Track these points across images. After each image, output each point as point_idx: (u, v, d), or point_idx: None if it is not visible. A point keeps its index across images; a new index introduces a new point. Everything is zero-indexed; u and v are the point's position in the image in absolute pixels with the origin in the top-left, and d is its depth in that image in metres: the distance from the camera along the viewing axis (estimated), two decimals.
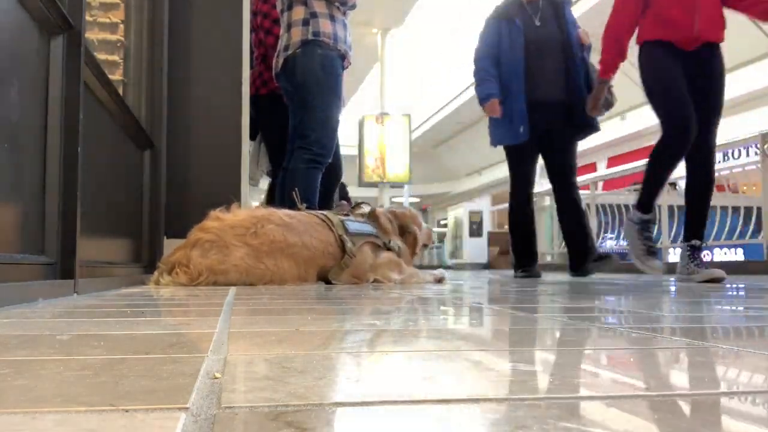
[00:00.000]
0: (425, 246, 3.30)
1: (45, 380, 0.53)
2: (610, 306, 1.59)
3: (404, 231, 3.06)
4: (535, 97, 4.15)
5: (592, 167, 13.36)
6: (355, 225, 2.86)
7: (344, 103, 3.88)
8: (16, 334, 0.86)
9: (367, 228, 2.92)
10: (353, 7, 3.61)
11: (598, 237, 9.48)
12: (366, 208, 3.12)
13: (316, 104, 3.47)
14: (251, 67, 4.01)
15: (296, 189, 3.28)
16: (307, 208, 3.16)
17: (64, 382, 0.52)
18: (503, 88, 4.21)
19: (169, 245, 3.03)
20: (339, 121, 3.63)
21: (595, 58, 3.91)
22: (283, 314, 1.23)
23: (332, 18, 3.51)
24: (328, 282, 2.69)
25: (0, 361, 0.63)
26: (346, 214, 2.96)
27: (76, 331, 0.86)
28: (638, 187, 3.66)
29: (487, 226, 16.73)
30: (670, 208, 8.51)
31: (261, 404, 0.44)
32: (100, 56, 2.83)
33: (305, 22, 3.47)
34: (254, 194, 8.52)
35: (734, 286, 2.78)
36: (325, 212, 2.91)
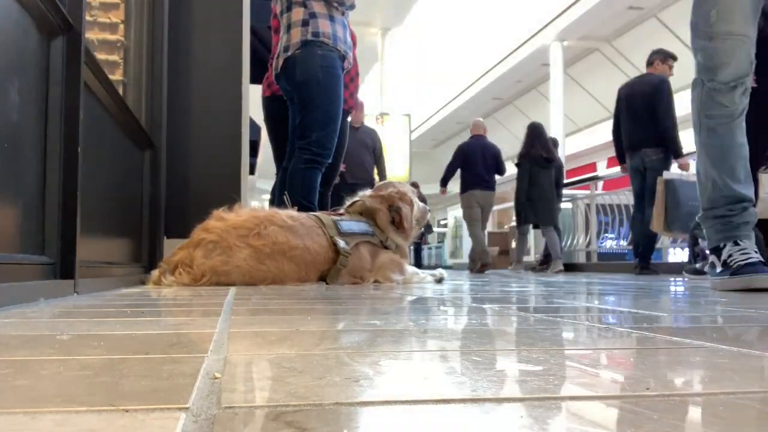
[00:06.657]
0: (419, 223, 3.14)
1: (45, 380, 0.53)
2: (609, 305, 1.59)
3: (392, 210, 2.95)
4: None
5: (592, 167, 13.34)
6: (348, 224, 2.80)
7: (345, 103, 3.87)
8: (16, 334, 0.86)
9: (362, 227, 2.84)
10: (352, 7, 3.61)
11: (598, 237, 9.46)
12: (360, 194, 3.05)
13: (316, 104, 3.47)
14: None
15: (285, 192, 3.27)
16: (305, 208, 3.15)
17: (64, 382, 0.52)
18: None
19: (169, 245, 3.03)
20: (339, 122, 3.63)
21: None
22: (283, 314, 1.23)
23: (331, 18, 3.51)
24: (328, 283, 2.68)
25: (0, 361, 0.63)
26: (341, 214, 2.93)
27: (76, 331, 0.86)
28: None
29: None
30: None
31: (261, 404, 0.44)
32: (100, 56, 2.83)
33: (304, 23, 3.47)
34: (254, 194, 8.52)
35: None
36: (316, 213, 2.84)
